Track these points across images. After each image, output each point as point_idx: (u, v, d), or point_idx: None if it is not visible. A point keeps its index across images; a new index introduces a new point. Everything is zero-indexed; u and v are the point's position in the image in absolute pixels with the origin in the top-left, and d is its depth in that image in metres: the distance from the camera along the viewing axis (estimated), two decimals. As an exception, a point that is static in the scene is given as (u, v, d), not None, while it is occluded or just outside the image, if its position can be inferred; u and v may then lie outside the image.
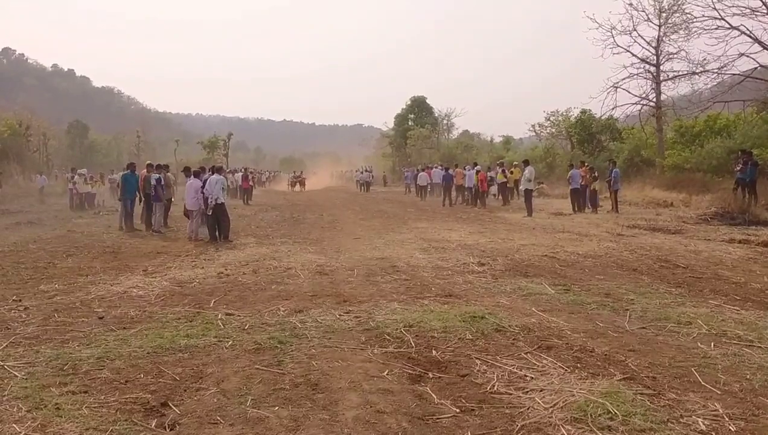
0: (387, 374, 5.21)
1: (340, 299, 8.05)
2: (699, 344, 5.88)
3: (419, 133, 62.65)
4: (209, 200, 14.63)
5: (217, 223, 14.88)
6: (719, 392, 4.62)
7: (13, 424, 4.19)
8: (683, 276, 9.56)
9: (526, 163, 22.97)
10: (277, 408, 4.49)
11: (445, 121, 69.89)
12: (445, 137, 69.10)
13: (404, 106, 72.02)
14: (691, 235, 14.70)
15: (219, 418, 4.31)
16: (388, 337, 6.26)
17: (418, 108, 70.95)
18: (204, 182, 15.43)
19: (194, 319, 7.09)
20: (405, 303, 7.72)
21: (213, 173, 15.53)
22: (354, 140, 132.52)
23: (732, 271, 9.87)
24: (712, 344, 5.86)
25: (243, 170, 34.64)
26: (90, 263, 11.38)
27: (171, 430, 4.16)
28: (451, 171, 29.11)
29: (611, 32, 32.43)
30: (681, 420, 4.11)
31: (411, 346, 5.97)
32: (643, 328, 6.58)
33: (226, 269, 10.51)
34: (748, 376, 4.95)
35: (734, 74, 27.53)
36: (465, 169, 29.40)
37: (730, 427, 3.98)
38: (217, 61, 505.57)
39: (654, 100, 32.67)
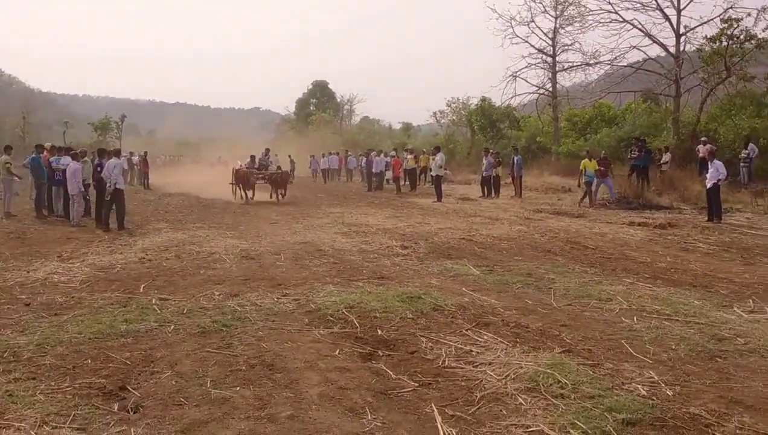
0: (338, 353, 5.33)
1: (273, 283, 8.05)
2: (623, 319, 6.35)
3: (321, 118, 62.43)
4: (107, 185, 13.86)
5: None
6: (650, 362, 5.04)
7: (-34, 413, 4.02)
8: (594, 256, 10.17)
9: (437, 149, 23.45)
10: (238, 388, 4.53)
11: (347, 107, 69.94)
12: (347, 123, 69.10)
13: (305, 91, 71.63)
14: (593, 218, 15.57)
15: (182, 400, 4.30)
16: (331, 318, 6.36)
17: (320, 92, 70.73)
18: (98, 166, 14.60)
19: (128, 304, 6.92)
20: (340, 285, 7.83)
21: (110, 158, 14.66)
22: (252, 124, 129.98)
23: (637, 252, 10.59)
24: (635, 318, 6.33)
25: (144, 154, 33.27)
26: (-4, 249, 10.76)
27: (135, 412, 4.12)
28: (373, 157, 29.03)
29: (510, 23, 33.49)
30: (623, 387, 4.47)
31: (355, 326, 6.10)
32: (569, 304, 7.01)
33: (146, 254, 10.22)
34: (673, 347, 5.42)
35: (625, 66, 29.20)
36: (373, 155, 29.42)
37: (668, 392, 4.37)
38: (107, 39, 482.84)
39: (550, 89, 34.02)
